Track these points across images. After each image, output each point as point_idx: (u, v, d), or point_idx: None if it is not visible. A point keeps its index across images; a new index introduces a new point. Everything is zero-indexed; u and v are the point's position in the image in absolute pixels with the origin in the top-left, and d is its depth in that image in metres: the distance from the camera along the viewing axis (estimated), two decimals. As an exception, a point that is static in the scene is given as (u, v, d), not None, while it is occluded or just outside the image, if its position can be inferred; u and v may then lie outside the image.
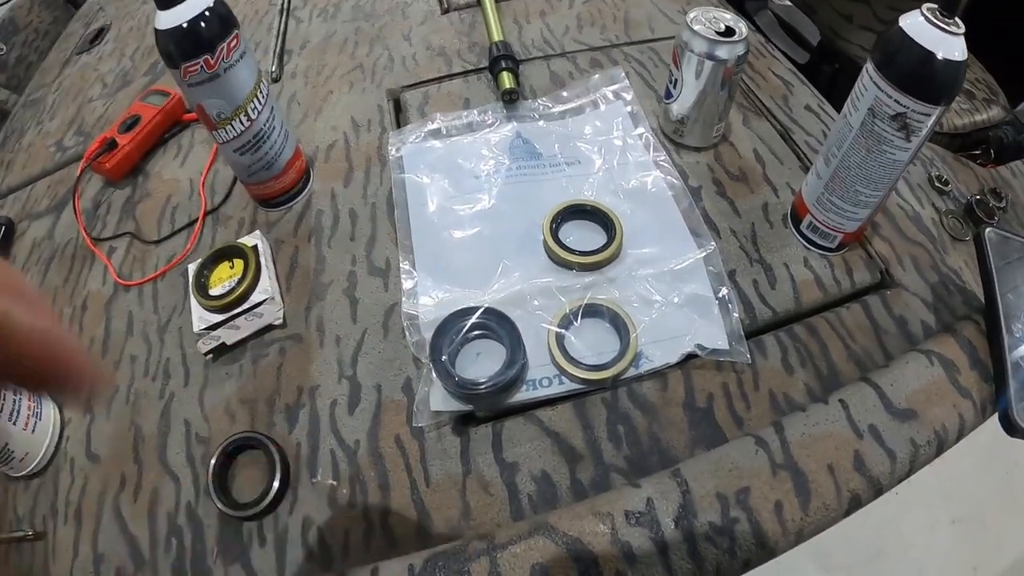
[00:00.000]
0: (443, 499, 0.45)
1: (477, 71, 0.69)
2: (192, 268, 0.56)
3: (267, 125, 0.55)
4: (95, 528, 0.52)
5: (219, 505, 0.48)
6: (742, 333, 0.47)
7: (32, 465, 0.56)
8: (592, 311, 0.50)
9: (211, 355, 0.54)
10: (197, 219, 0.63)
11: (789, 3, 0.63)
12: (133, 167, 0.70)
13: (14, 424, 0.53)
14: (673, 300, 0.48)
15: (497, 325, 0.49)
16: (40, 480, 0.56)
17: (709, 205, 0.57)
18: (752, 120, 0.62)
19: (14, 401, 0.54)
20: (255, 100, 0.53)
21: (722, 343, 0.45)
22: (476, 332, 0.50)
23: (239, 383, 0.53)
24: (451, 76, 0.70)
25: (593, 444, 0.45)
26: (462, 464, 0.46)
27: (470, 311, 0.49)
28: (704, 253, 0.51)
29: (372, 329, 0.53)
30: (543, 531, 0.37)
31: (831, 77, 0.82)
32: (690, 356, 0.46)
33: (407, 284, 0.53)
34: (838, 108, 0.50)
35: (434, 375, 0.48)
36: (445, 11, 0.78)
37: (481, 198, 0.58)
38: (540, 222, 0.53)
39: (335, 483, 0.48)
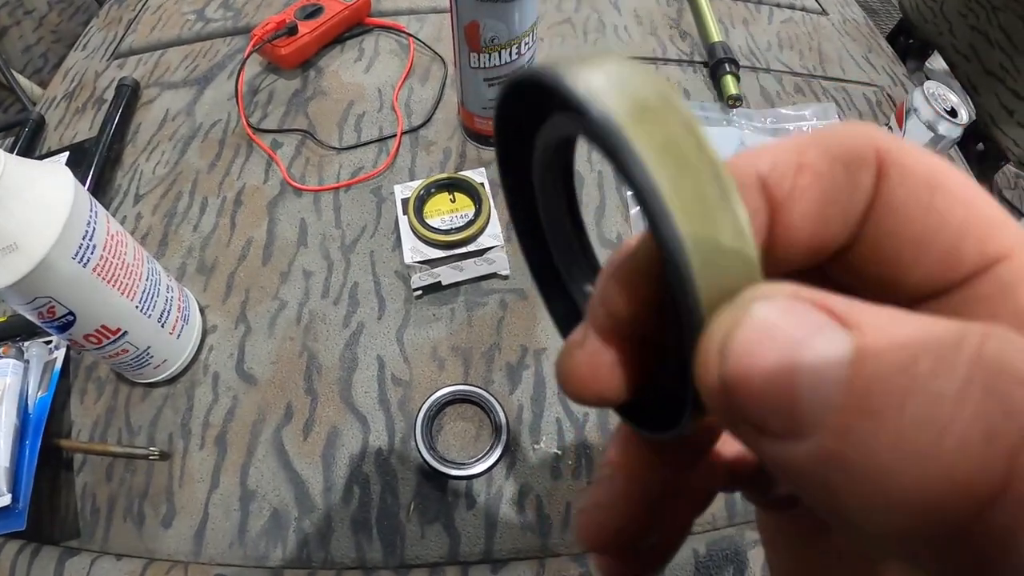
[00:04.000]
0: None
1: (692, 63, 0.65)
2: (402, 190, 0.49)
3: (528, 63, 0.50)
4: (246, 460, 0.45)
5: (428, 459, 0.42)
6: None
7: (166, 374, 0.48)
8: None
9: (420, 292, 0.47)
10: (394, 135, 0.55)
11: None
12: (307, 59, 0.61)
13: (162, 326, 0.45)
14: None
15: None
16: (167, 391, 0.48)
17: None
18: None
19: (167, 299, 0.45)
20: (529, 36, 0.48)
21: None
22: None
23: (450, 329, 0.47)
24: (666, 60, 0.65)
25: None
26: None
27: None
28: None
29: (605, 301, 0.48)
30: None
31: (976, 156, 0.82)
32: None
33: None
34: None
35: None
36: (650, -15, 0.73)
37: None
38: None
39: (559, 452, 0.43)
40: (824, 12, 0.75)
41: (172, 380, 0.49)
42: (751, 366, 0.09)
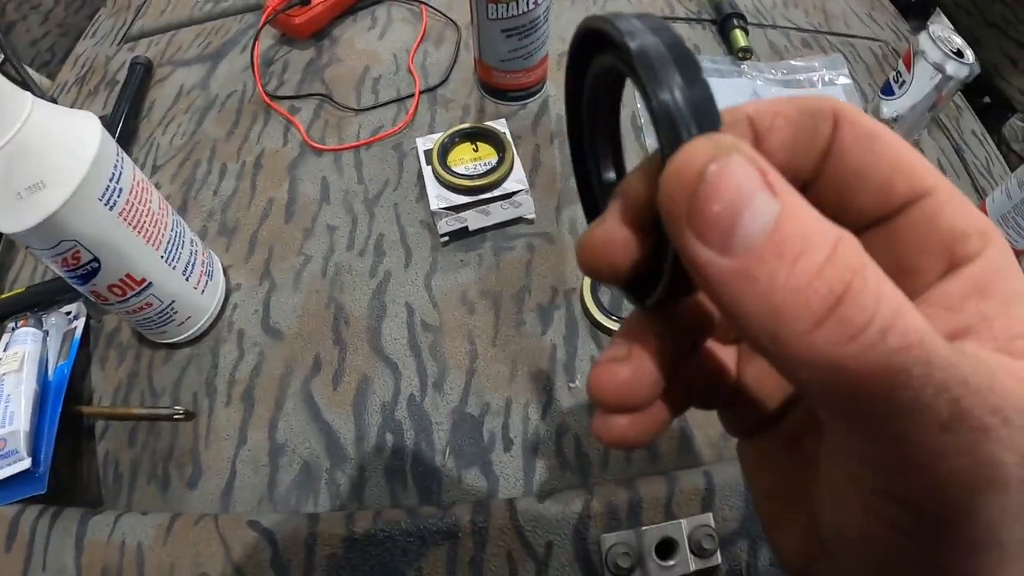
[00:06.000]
0: (706, 419, 0.43)
1: (700, 20, 0.66)
2: (424, 142, 0.49)
3: (544, 13, 0.50)
4: (274, 414, 0.44)
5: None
6: None
7: (190, 332, 0.46)
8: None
9: (447, 238, 0.46)
10: (411, 95, 0.55)
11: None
12: (320, 29, 0.61)
13: (187, 279, 0.44)
14: None
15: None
16: (191, 352, 0.47)
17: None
18: (936, 132, 0.63)
19: (191, 252, 0.44)
20: (544, -16, 0.48)
21: None
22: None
23: (478, 273, 0.47)
24: (675, 19, 0.65)
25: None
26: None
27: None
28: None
29: (631, 243, 0.47)
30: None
31: (982, 108, 0.83)
32: None
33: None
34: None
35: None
36: (654, -49, 0.74)
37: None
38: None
39: None
40: (825, -28, 0.76)
41: (196, 340, 0.47)
42: (718, 191, 0.12)
